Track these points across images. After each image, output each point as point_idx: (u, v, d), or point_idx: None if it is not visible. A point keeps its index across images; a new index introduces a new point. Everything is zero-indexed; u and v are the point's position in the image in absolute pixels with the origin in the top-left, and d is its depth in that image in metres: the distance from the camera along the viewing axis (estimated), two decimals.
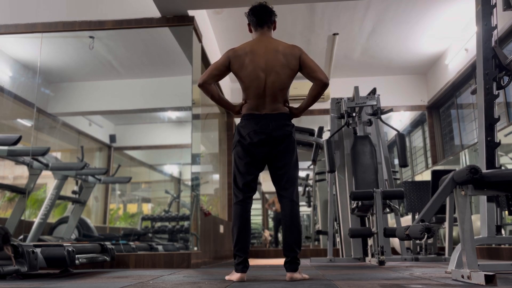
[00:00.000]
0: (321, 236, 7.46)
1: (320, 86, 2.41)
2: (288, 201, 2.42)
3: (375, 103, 4.58)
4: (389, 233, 3.32)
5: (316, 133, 5.87)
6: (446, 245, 3.79)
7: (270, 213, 12.84)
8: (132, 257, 3.56)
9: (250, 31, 2.62)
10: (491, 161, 2.70)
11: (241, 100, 2.52)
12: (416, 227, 1.99)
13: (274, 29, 2.63)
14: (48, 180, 5.99)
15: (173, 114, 7.39)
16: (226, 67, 2.47)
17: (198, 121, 4.58)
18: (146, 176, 8.87)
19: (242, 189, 2.46)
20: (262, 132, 2.38)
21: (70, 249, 2.68)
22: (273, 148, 2.41)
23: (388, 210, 4.09)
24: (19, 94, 5.67)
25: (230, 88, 6.77)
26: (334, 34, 5.65)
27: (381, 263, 3.65)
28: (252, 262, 4.77)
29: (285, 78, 2.44)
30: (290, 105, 2.54)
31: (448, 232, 3.68)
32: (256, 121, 2.41)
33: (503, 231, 3.94)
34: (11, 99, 5.68)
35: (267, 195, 14.37)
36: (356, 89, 4.74)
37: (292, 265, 2.32)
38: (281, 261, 4.14)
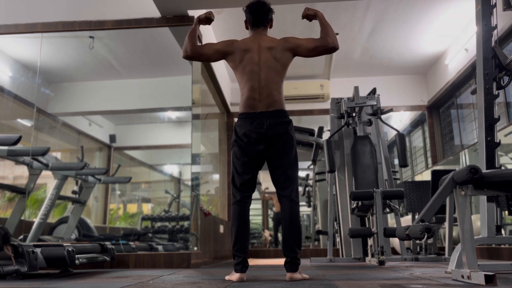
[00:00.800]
0: (321, 236, 7.45)
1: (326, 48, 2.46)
2: (287, 200, 2.41)
3: (375, 103, 4.58)
4: (389, 233, 3.32)
5: (316, 133, 5.87)
6: (446, 245, 3.79)
7: (270, 213, 12.84)
8: (132, 257, 3.56)
9: (247, 28, 2.63)
10: (491, 161, 2.70)
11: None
12: (416, 227, 1.99)
13: (271, 27, 2.64)
14: (48, 180, 6.00)
15: (173, 114, 7.39)
16: (221, 55, 2.52)
17: (198, 121, 4.58)
18: (146, 176, 8.88)
19: (240, 189, 2.45)
20: (257, 132, 2.38)
21: (70, 249, 2.68)
22: (269, 147, 2.41)
23: (388, 210, 4.08)
24: (19, 94, 5.67)
25: (230, 88, 6.77)
26: None
27: (381, 263, 3.65)
28: (252, 262, 4.77)
29: (279, 71, 2.47)
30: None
31: (448, 232, 3.68)
32: (251, 120, 2.40)
33: (503, 231, 3.94)
34: (11, 99, 5.69)
35: (267, 195, 14.37)
36: (356, 89, 4.74)
37: (292, 265, 2.32)
38: (281, 261, 4.13)
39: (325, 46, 2.45)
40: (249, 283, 2.14)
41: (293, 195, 2.42)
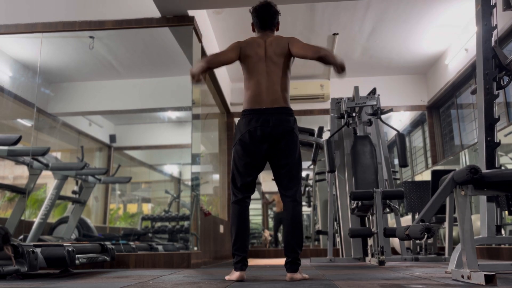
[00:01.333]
0: (321, 236, 7.46)
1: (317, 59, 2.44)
2: (291, 201, 2.40)
3: (375, 103, 4.58)
4: (389, 233, 3.32)
5: (316, 133, 5.87)
6: (446, 245, 3.79)
7: (270, 213, 12.84)
8: (132, 257, 3.56)
9: (253, 30, 2.64)
10: (491, 161, 2.70)
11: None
12: (416, 227, 1.99)
13: (277, 30, 2.65)
14: (48, 180, 5.99)
15: (173, 114, 7.39)
16: (238, 50, 2.49)
17: (198, 121, 4.58)
18: (146, 176, 8.87)
19: (240, 189, 2.45)
20: (262, 130, 2.36)
21: (70, 249, 2.68)
22: (273, 146, 2.39)
23: (388, 210, 4.09)
24: (19, 94, 5.67)
25: (230, 88, 6.77)
26: (334, 34, 5.64)
27: (381, 263, 3.65)
28: (252, 262, 4.77)
29: (283, 67, 2.47)
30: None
31: (448, 232, 3.68)
32: (256, 117, 2.38)
33: (503, 231, 3.94)
34: (11, 99, 5.68)
35: (267, 195, 14.38)
36: (356, 89, 4.74)
37: (292, 265, 2.31)
38: (281, 261, 4.13)
39: (315, 51, 2.42)
40: (249, 283, 2.14)
41: (297, 196, 2.41)
